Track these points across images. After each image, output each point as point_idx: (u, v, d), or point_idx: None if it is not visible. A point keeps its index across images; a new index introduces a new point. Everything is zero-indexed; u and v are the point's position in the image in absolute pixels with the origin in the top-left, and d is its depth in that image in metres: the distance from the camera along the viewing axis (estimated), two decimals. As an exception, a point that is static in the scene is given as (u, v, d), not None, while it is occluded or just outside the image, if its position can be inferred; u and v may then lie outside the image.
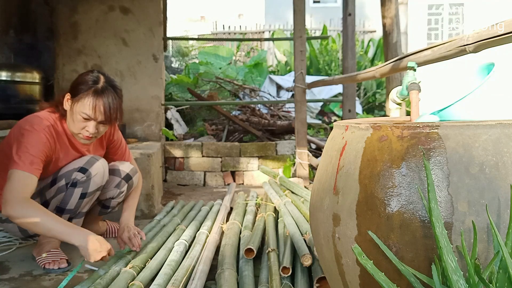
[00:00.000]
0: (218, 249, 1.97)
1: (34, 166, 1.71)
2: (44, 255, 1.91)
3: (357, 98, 5.85)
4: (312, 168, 3.76)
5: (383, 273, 0.88)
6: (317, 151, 4.27)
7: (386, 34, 3.17)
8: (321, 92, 6.06)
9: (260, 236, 2.01)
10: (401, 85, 1.37)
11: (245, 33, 11.04)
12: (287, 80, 6.27)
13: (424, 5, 12.19)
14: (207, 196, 3.41)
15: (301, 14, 3.52)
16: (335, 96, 5.95)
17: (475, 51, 1.43)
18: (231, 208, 2.76)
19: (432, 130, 0.96)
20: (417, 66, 1.33)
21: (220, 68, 6.53)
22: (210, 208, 2.72)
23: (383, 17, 3.19)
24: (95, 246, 1.66)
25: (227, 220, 2.44)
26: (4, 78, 3.20)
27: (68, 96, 1.84)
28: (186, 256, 1.86)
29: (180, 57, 8.94)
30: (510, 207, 0.88)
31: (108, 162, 2.03)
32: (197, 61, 7.52)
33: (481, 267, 0.84)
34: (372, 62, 7.32)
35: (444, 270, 0.83)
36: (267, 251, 1.81)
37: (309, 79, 4.28)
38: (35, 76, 3.41)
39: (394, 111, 1.48)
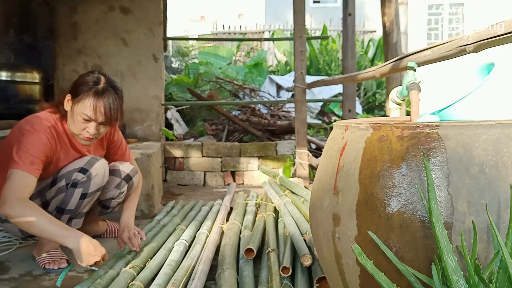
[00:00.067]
0: (218, 249, 1.97)
1: (34, 167, 1.71)
2: (44, 255, 1.91)
3: (357, 98, 5.85)
4: (312, 168, 3.76)
5: (383, 273, 0.88)
6: (317, 151, 4.27)
7: (386, 34, 3.17)
8: (321, 92, 6.06)
9: (260, 236, 2.01)
10: (401, 85, 1.37)
11: (245, 33, 11.03)
12: (287, 80, 6.27)
13: (424, 5, 12.18)
14: (207, 196, 3.41)
15: (301, 14, 3.52)
16: (335, 96, 5.95)
17: (475, 51, 1.43)
18: (231, 208, 2.76)
19: (432, 130, 0.96)
20: (417, 66, 1.33)
21: (220, 68, 6.53)
22: (210, 208, 2.73)
23: (383, 17, 3.19)
24: (89, 250, 1.64)
25: (227, 220, 2.44)
26: (4, 78, 3.20)
27: (68, 97, 1.84)
28: (186, 256, 1.86)
29: (180, 57, 8.94)
30: (510, 207, 0.88)
31: (108, 162, 2.03)
32: (197, 61, 7.52)
33: (481, 267, 0.84)
34: (372, 62, 7.32)
35: (444, 270, 0.83)
36: (267, 251, 1.81)
37: (309, 79, 4.28)
38: (35, 76, 3.41)
39: (394, 111, 1.48)
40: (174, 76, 6.30)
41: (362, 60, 7.31)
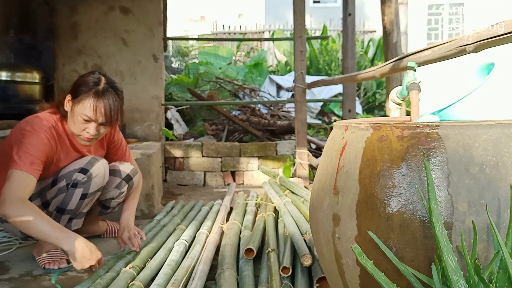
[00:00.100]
0: (218, 249, 1.97)
1: (34, 167, 1.70)
2: (44, 255, 1.91)
3: (357, 98, 5.85)
4: (312, 168, 3.76)
5: (383, 273, 0.88)
6: (317, 151, 4.27)
7: (386, 34, 3.17)
8: (321, 92, 6.06)
9: (260, 236, 2.01)
10: (401, 85, 1.37)
11: (245, 33, 11.03)
12: (287, 80, 6.27)
13: (424, 5, 12.18)
14: (207, 196, 3.41)
15: (301, 14, 3.52)
16: (335, 96, 5.95)
17: (475, 51, 1.43)
18: (231, 208, 2.76)
19: (432, 130, 0.96)
20: (417, 66, 1.33)
21: (220, 68, 6.53)
22: (210, 208, 2.73)
23: (383, 17, 3.19)
24: (85, 253, 1.61)
25: (227, 220, 2.44)
26: (4, 78, 3.20)
27: (69, 97, 1.84)
28: (186, 256, 1.86)
29: (180, 57, 8.94)
30: (510, 207, 0.88)
31: (108, 162, 2.03)
32: (197, 61, 7.52)
33: (481, 267, 0.84)
34: (372, 62, 7.32)
35: (444, 270, 0.83)
36: (267, 251, 1.81)
37: (309, 79, 4.28)
38: (35, 76, 3.41)
39: (394, 111, 1.48)
40: (174, 76, 6.30)
41: (362, 60, 7.31)
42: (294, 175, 3.67)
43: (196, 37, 9.85)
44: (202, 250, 1.93)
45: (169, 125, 4.45)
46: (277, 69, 7.80)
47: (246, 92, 5.51)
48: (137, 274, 1.69)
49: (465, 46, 1.45)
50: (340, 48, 6.92)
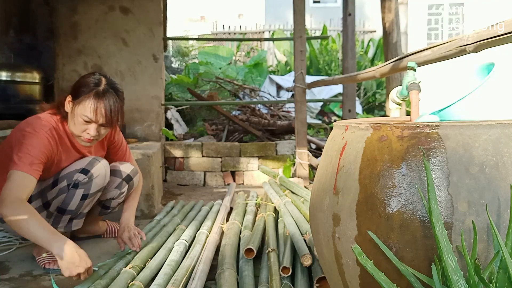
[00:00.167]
0: (218, 249, 1.97)
1: (34, 168, 1.70)
2: (44, 255, 1.91)
3: (357, 98, 5.85)
4: (312, 168, 3.76)
5: (383, 273, 0.88)
6: (317, 151, 4.27)
7: (386, 34, 3.17)
8: (321, 92, 6.06)
9: (260, 236, 2.01)
10: (401, 85, 1.37)
11: (245, 33, 11.03)
12: (287, 80, 6.27)
13: (424, 5, 12.18)
14: (207, 196, 3.41)
15: (301, 14, 3.51)
16: (335, 96, 5.95)
17: (475, 51, 1.43)
18: (231, 208, 2.76)
19: (432, 130, 0.96)
20: (417, 66, 1.33)
21: (220, 68, 6.53)
22: (210, 208, 2.73)
23: (383, 17, 3.19)
24: (74, 260, 1.55)
25: (227, 220, 2.44)
26: (4, 78, 3.20)
27: (69, 98, 1.83)
28: (186, 256, 1.86)
29: (180, 57, 8.94)
30: (510, 207, 0.88)
31: (108, 162, 2.03)
32: (197, 61, 7.52)
33: (481, 267, 0.84)
34: (372, 62, 7.32)
35: (444, 270, 0.83)
36: (267, 251, 1.81)
37: (309, 79, 4.28)
38: (35, 76, 3.41)
39: (394, 111, 1.48)
40: (174, 76, 6.30)
41: (362, 60, 7.31)
42: (294, 175, 3.67)
43: (196, 37, 9.85)
44: (202, 250, 1.93)
45: (169, 125, 4.45)
46: (277, 69, 7.80)
47: (246, 92, 5.51)
48: (137, 274, 1.69)
49: (465, 46, 1.45)
50: (340, 48, 6.92)
